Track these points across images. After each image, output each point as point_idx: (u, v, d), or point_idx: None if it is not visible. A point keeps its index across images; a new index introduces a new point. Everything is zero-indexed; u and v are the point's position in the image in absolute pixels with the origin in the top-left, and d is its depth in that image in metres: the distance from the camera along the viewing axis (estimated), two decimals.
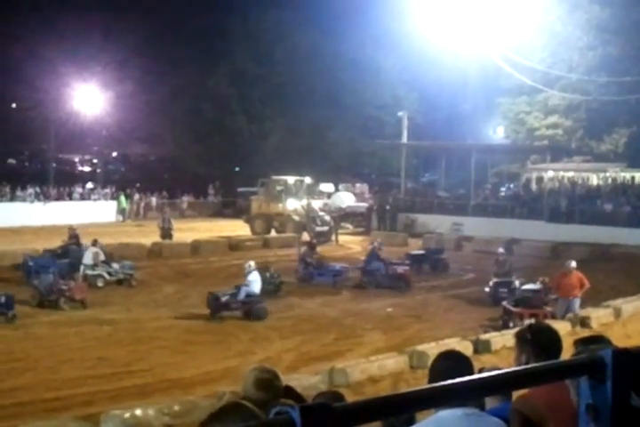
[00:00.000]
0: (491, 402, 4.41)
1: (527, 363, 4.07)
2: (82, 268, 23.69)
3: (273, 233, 38.16)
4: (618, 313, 18.71)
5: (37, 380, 13.58)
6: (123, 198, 49.22)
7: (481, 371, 5.58)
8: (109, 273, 23.71)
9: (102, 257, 23.93)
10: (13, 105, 65.49)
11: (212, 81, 56.59)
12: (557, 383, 2.64)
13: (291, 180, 40.88)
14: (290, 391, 4.85)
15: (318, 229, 37.27)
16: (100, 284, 23.12)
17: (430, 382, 3.58)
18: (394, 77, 57.77)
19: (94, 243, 24.60)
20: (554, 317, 17.75)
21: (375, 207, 43.20)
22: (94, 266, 23.63)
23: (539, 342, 4.21)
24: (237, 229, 39.38)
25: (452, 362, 3.82)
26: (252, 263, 20.36)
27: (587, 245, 32.15)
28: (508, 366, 4.11)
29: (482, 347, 14.94)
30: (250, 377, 4.63)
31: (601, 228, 34.82)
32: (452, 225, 38.96)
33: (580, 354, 3.15)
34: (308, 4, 55.22)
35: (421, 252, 29.72)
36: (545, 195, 40.10)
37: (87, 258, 23.75)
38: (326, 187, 46.71)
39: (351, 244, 37.25)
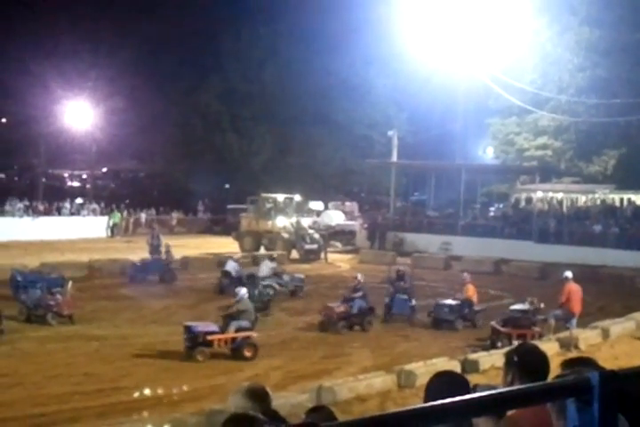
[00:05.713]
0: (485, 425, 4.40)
1: (513, 384, 4.07)
2: None
3: (262, 250, 38.12)
4: (606, 334, 18.72)
5: (23, 396, 13.51)
6: (117, 215, 49.22)
7: (475, 388, 5.57)
8: (279, 284, 25.65)
9: (276, 270, 26.27)
10: (3, 120, 65.51)
11: (202, 98, 56.75)
12: (541, 406, 2.65)
13: (280, 197, 40.86)
14: (276, 416, 4.84)
15: (307, 246, 37.28)
16: (270, 292, 24.40)
17: (425, 402, 3.59)
18: (384, 97, 57.88)
19: (272, 258, 27.56)
20: (542, 337, 17.76)
21: (365, 226, 43.22)
22: (265, 278, 25.40)
23: (525, 363, 4.18)
24: (227, 246, 39.32)
25: (446, 382, 3.83)
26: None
27: (575, 266, 32.01)
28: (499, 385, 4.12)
29: (470, 367, 14.92)
30: (240, 389, 4.63)
31: (589, 249, 34.82)
32: (441, 244, 38.98)
33: (566, 376, 3.15)
34: (300, 22, 55.39)
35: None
36: (534, 215, 40.15)
37: (263, 271, 25.81)
38: (316, 205, 46.76)
39: (340, 262, 37.27)
